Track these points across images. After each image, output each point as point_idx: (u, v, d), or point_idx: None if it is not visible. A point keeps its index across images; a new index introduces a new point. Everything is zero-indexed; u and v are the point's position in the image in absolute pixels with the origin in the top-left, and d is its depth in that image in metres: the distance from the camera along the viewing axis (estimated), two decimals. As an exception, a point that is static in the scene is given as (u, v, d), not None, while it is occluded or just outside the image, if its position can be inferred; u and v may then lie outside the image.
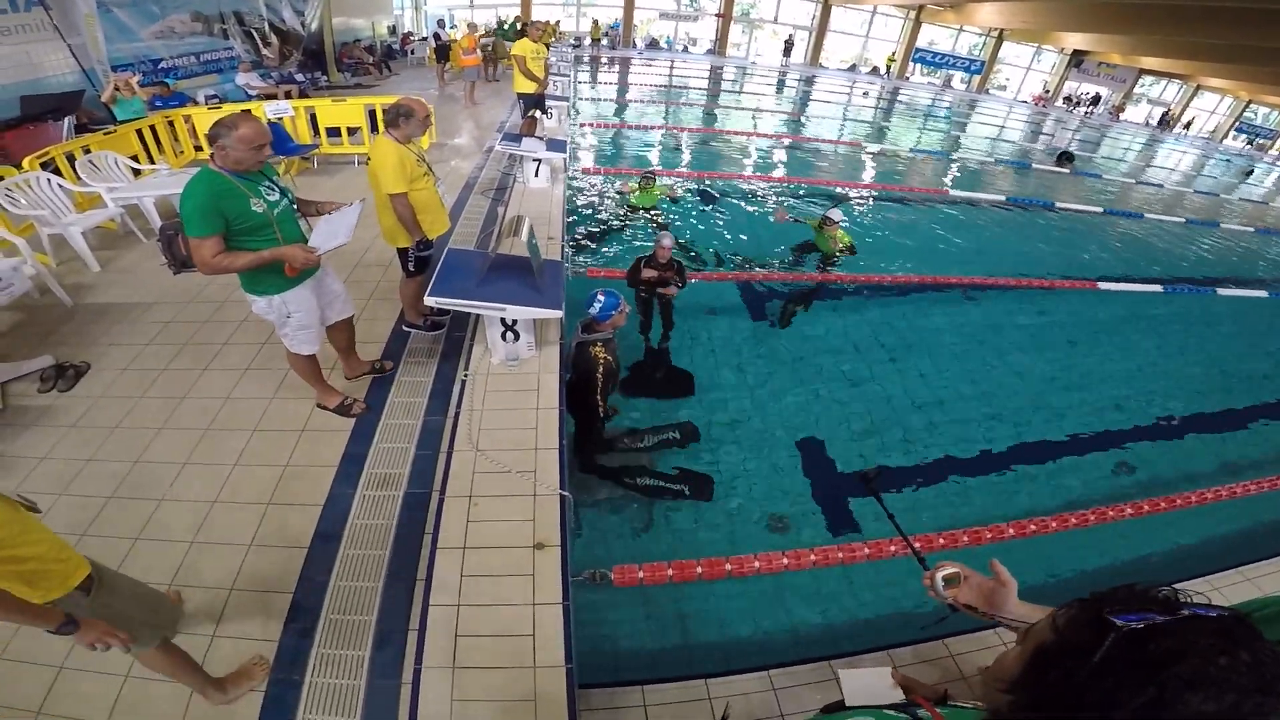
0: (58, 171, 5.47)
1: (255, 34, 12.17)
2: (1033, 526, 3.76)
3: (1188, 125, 27.67)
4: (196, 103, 9.10)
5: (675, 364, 5.26)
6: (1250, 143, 26.84)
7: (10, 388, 3.56)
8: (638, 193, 7.87)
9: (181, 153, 7.42)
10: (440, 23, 16.87)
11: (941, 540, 3.57)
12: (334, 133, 8.12)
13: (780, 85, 23.07)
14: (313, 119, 7.99)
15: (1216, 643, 0.64)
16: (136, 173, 6.14)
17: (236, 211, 2.65)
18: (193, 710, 2.18)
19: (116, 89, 7.45)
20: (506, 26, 19.30)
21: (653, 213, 7.90)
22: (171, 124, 7.33)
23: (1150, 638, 0.67)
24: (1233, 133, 27.17)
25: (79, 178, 5.55)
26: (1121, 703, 0.65)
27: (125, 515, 2.87)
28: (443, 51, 14.42)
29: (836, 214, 6.57)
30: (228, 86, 11.01)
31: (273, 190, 2.84)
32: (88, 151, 5.82)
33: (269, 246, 2.77)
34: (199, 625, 2.43)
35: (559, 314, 3.69)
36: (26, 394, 3.55)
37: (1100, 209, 11.38)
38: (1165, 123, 27.37)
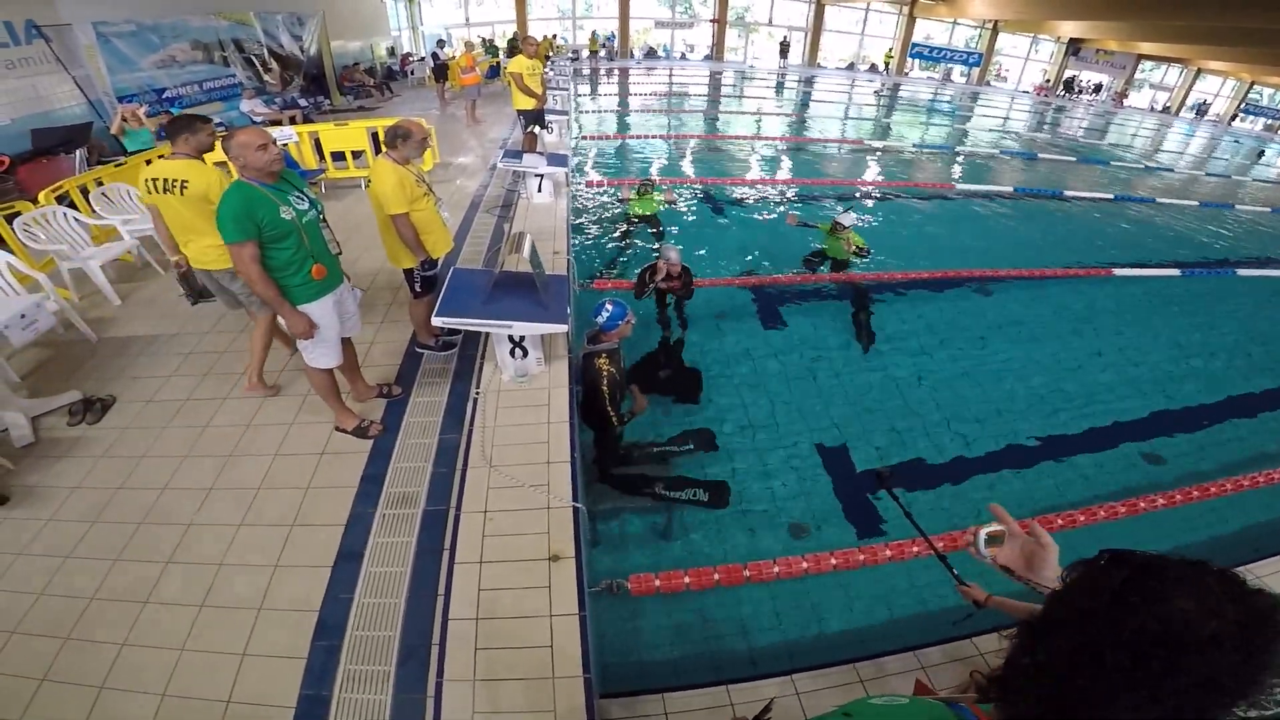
0: (73, 205, 5.59)
1: (255, 60, 12.40)
2: (1060, 521, 3.71)
3: (1234, 117, 26.62)
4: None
5: (688, 366, 5.26)
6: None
7: (41, 421, 3.67)
8: (636, 201, 7.92)
9: (192, 183, 7.55)
10: (439, 42, 17.08)
11: (968, 537, 3.54)
12: (339, 156, 8.23)
13: (779, 87, 23.15)
14: (316, 144, 8.12)
15: (1204, 565, 0.69)
16: (150, 205, 6.26)
17: (267, 219, 2.80)
18: (228, 727, 2.26)
19: (124, 120, 7.62)
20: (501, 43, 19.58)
21: (653, 224, 7.94)
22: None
23: (1151, 559, 0.72)
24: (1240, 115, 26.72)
25: (94, 210, 5.65)
26: (1098, 591, 0.70)
27: (156, 540, 2.96)
28: (441, 71, 14.60)
29: (847, 218, 6.49)
30: (233, 114, 11.22)
31: (302, 200, 3.00)
32: (100, 184, 5.93)
33: (296, 254, 2.96)
34: (229, 644, 2.51)
35: (565, 328, 3.76)
36: (57, 427, 3.67)
37: (1111, 195, 11.32)
38: (1200, 111, 26.80)
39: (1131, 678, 0.64)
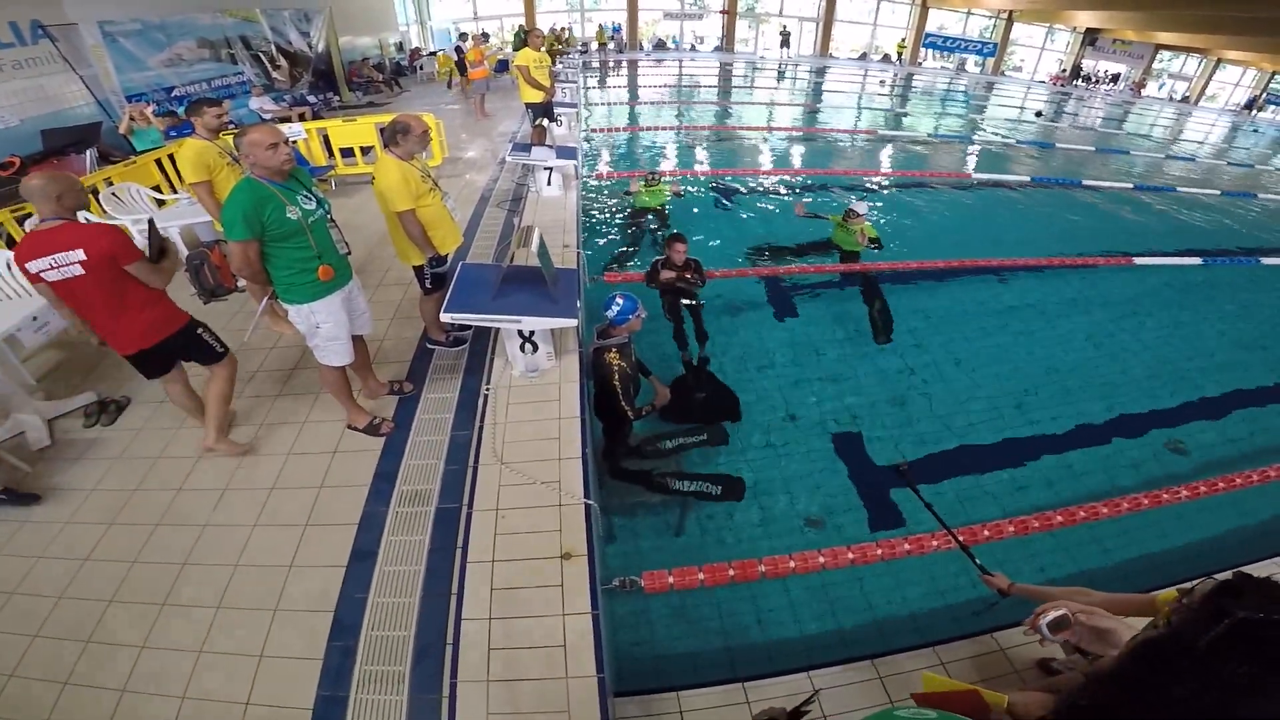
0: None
1: (264, 57, 12.40)
2: (1082, 513, 3.63)
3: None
4: (213, 130, 9.29)
5: (716, 376, 5.12)
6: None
7: (57, 423, 3.70)
8: (643, 193, 7.85)
9: (202, 181, 7.57)
10: (462, 36, 17.03)
11: (986, 532, 3.46)
12: (348, 153, 8.22)
13: (780, 76, 22.95)
14: (325, 140, 8.11)
15: None
16: (160, 203, 6.28)
17: (273, 217, 2.80)
18: (245, 729, 2.26)
19: (132, 119, 7.63)
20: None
21: (661, 216, 7.87)
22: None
23: (1267, 627, 0.64)
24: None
25: (104, 210, 5.62)
26: (1218, 682, 0.61)
27: (173, 541, 2.97)
28: (463, 66, 14.51)
29: (861, 206, 6.31)
30: (242, 111, 11.20)
31: (309, 200, 2.99)
32: (110, 184, 5.92)
33: (302, 253, 2.96)
34: (247, 647, 2.51)
35: (575, 322, 3.72)
36: (73, 429, 3.69)
37: (1130, 184, 11.13)
38: (1252, 106, 25.69)
39: None
